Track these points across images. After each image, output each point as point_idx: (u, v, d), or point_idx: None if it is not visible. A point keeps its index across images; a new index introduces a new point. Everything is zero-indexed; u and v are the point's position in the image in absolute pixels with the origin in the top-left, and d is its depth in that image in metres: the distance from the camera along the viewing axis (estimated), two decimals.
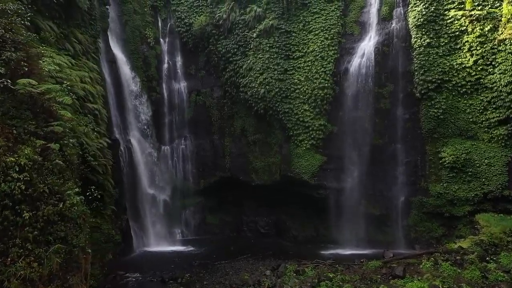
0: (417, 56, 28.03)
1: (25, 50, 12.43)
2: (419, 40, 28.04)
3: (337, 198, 30.23)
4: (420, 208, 28.36)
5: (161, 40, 35.34)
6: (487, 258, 20.02)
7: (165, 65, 35.15)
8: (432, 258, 20.33)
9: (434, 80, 27.50)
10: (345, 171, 30.17)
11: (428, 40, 27.73)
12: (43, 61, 14.43)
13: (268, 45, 31.87)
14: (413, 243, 28.19)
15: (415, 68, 28.09)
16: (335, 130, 30.41)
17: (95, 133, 22.11)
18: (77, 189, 12.39)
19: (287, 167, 31.42)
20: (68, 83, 15.33)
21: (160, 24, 35.38)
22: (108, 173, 23.93)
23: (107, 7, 30.24)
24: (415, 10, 28.34)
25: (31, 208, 10.56)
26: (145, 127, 31.80)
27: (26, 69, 12.01)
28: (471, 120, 27.01)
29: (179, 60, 35.67)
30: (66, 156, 12.81)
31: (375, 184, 29.53)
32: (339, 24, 31.05)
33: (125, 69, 31.01)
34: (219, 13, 33.73)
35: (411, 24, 28.44)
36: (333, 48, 30.64)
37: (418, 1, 28.33)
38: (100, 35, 27.75)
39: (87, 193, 15.35)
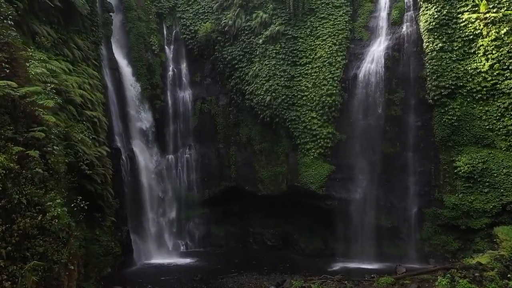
0: (429, 61, 26.90)
1: (8, 51, 11.68)
2: (431, 45, 26.93)
3: (346, 209, 28.99)
4: (434, 220, 26.94)
5: (166, 47, 34.83)
6: (508, 275, 18.54)
7: (170, 73, 34.56)
8: (448, 275, 18.86)
9: (447, 85, 26.28)
10: (354, 181, 29.00)
11: (440, 44, 26.60)
12: (31, 64, 13.69)
13: (274, 51, 31.07)
14: (427, 257, 26.80)
15: (428, 74, 26.94)
16: (343, 138, 29.36)
17: (92, 141, 21.48)
18: (59, 200, 11.47)
19: (294, 176, 30.33)
20: (52, 86, 14.50)
21: (165, 32, 34.95)
22: (107, 182, 23.20)
23: (111, 14, 29.88)
24: (426, 13, 27.29)
25: (5, 221, 9.66)
26: (148, 135, 31.08)
27: (8, 71, 11.24)
28: (487, 127, 25.64)
29: (184, 67, 35.07)
30: (50, 164, 11.93)
31: (386, 195, 28.23)
32: (348, 29, 30.16)
33: (128, 77, 30.47)
34: (224, 19, 33.12)
35: (423, 28, 27.38)
36: (341, 53, 29.69)
37: (429, 5, 27.29)
38: (102, 42, 27.30)
39: (82, 204, 14.45)
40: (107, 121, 24.51)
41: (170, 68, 34.70)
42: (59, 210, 11.15)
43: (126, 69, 30.56)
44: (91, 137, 21.37)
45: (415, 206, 27.60)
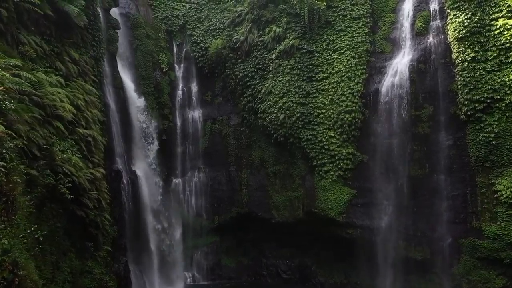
0: (460, 73, 24.31)
1: None
2: (461, 55, 24.37)
3: (370, 238, 26.39)
4: (472, 252, 23.67)
5: (176, 66, 33.33)
6: None
7: (179, 92, 32.90)
8: None
9: (482, 99, 23.48)
10: (378, 207, 26.49)
11: (472, 54, 24.01)
12: None
13: (288, 66, 29.08)
14: None
15: (459, 87, 24.31)
16: (365, 159, 27.07)
17: (84, 162, 19.50)
18: (10, 229, 9.22)
19: (311, 202, 27.77)
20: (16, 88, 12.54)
21: (175, 50, 33.57)
22: (102, 208, 21.02)
23: (117, 31, 28.55)
24: (455, 21, 24.88)
25: None
26: (154, 158, 29.09)
27: None
28: None
29: (194, 86, 33.41)
30: None
31: (415, 223, 25.36)
32: (367, 41, 28.07)
33: (134, 96, 28.87)
34: (236, 35, 31.54)
35: (451, 37, 24.94)
36: (361, 67, 27.48)
37: (458, 12, 24.89)
38: (104, 58, 25.78)
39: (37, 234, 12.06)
40: (105, 140, 22.58)
41: (180, 87, 33.07)
42: (5, 242, 8.89)
43: (131, 87, 28.99)
44: (85, 157, 19.53)
45: (450, 235, 24.64)
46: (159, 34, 32.70)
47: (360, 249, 26.65)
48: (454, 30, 24.81)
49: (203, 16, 33.59)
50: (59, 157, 15.77)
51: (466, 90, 23.92)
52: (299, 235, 29.52)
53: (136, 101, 29.00)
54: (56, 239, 17.74)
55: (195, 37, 33.29)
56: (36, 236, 11.13)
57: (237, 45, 31.38)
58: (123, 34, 30.18)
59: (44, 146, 15.07)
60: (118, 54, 29.07)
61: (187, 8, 33.66)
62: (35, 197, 14.49)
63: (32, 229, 10.85)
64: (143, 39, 31.18)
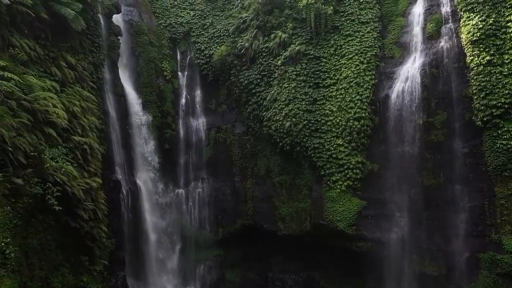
0: (475, 77, 23.16)
1: None
2: (476, 58, 23.24)
3: (382, 252, 25.15)
4: (492, 267, 22.23)
5: (180, 73, 32.54)
6: None
7: (183, 100, 32.04)
8: None
9: (499, 104, 22.25)
10: (390, 219, 25.23)
11: (488, 58, 22.88)
12: None
13: (294, 73, 28.15)
14: None
15: (474, 92, 23.12)
16: (375, 169, 25.86)
17: (79, 171, 18.61)
18: None
19: (319, 213, 26.58)
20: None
21: (179, 57, 32.82)
22: (99, 219, 20.06)
23: (119, 37, 27.93)
24: (469, 24, 23.81)
25: None
26: (156, 167, 28.15)
27: None
28: None
29: (198, 94, 32.53)
30: None
31: (430, 236, 24.04)
32: (376, 46, 27.11)
33: (135, 104, 28.14)
34: (241, 42, 30.75)
35: (465, 40, 23.85)
36: (370, 73, 26.49)
37: (472, 14, 23.84)
38: (104, 65, 25.10)
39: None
40: (103, 149, 21.73)
41: (183, 95, 32.20)
42: None
43: (133, 95, 28.26)
44: (81, 166, 18.66)
45: (467, 250, 23.26)
46: (163, 42, 32.02)
47: (371, 263, 25.23)
48: (468, 33, 23.70)
49: (208, 23, 32.90)
50: (49, 165, 14.83)
51: (482, 95, 22.70)
52: (307, 248, 28.24)
53: (138, 109, 28.22)
54: (47, 252, 16.75)
55: (199, 44, 32.54)
56: (8, 252, 10.08)
57: (242, 51, 30.56)
58: (126, 41, 29.59)
59: (32, 154, 14.15)
60: (120, 61, 28.45)
61: (192, 15, 33.01)
62: (21, 208, 13.56)
63: (3, 244, 9.81)
64: (146, 46, 30.50)
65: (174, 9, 32.93)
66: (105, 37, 26.37)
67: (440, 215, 23.84)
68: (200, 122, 31.78)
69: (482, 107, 22.65)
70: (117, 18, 28.71)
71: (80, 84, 21.24)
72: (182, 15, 32.93)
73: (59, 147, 15.89)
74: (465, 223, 23.10)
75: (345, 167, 25.78)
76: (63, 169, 15.88)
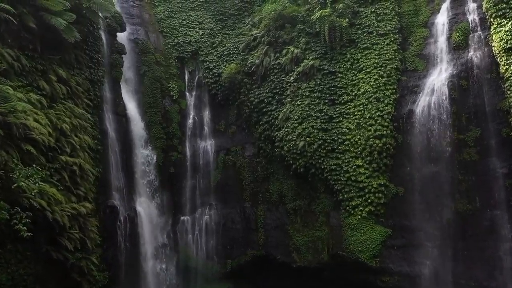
0: (511, 89, 20.50)
1: None
2: (511, 68, 20.65)
3: None
4: None
5: (187, 93, 30.93)
6: None
7: (190, 121, 30.24)
8: None
9: None
10: (419, 250, 22.42)
11: None
12: None
13: (308, 89, 26.20)
14: None
15: (511, 104, 20.43)
16: (401, 192, 23.31)
17: (66, 195, 16.65)
18: None
19: (337, 243, 23.98)
20: None
21: (186, 77, 31.33)
22: (87, 250, 17.90)
23: (122, 56, 26.65)
24: (501, 30, 21.62)
25: None
26: (159, 193, 26.08)
27: None
28: None
29: (206, 115, 30.73)
30: None
31: (468, 270, 20.96)
32: (397, 59, 25.15)
33: (138, 124, 26.49)
34: (251, 59, 29.16)
35: (497, 48, 21.59)
36: (391, 87, 24.40)
37: (503, 20, 21.66)
38: (104, 82, 23.64)
39: None
40: (97, 171, 19.87)
41: (191, 116, 30.41)
42: None
43: (136, 115, 26.64)
44: (67, 189, 16.70)
45: None
46: (170, 61, 30.65)
47: None
48: (501, 41, 21.40)
49: (217, 42, 31.51)
50: (21, 186, 12.84)
51: None
52: (325, 282, 25.36)
53: (141, 130, 26.50)
54: None
55: (208, 63, 31.02)
56: None
57: (252, 69, 28.84)
58: (131, 60, 28.33)
59: (2, 173, 12.23)
60: (124, 79, 27.06)
61: (200, 34, 31.71)
62: None
63: None
64: (151, 65, 29.12)
65: (182, 28, 31.74)
66: (107, 54, 25.15)
67: (479, 245, 20.83)
68: (208, 144, 29.80)
69: None
70: (122, 37, 27.61)
71: (74, 100, 19.66)
72: (191, 34, 31.68)
73: (36, 166, 13.85)
74: (509, 254, 19.99)
75: (366, 190, 23.25)
76: (44, 191, 13.88)
